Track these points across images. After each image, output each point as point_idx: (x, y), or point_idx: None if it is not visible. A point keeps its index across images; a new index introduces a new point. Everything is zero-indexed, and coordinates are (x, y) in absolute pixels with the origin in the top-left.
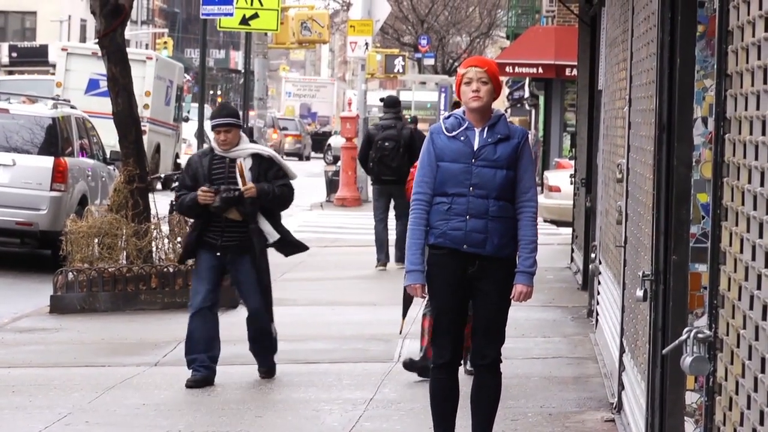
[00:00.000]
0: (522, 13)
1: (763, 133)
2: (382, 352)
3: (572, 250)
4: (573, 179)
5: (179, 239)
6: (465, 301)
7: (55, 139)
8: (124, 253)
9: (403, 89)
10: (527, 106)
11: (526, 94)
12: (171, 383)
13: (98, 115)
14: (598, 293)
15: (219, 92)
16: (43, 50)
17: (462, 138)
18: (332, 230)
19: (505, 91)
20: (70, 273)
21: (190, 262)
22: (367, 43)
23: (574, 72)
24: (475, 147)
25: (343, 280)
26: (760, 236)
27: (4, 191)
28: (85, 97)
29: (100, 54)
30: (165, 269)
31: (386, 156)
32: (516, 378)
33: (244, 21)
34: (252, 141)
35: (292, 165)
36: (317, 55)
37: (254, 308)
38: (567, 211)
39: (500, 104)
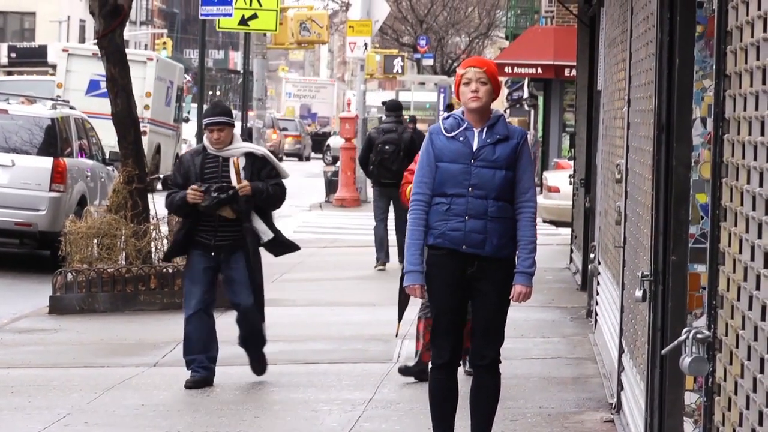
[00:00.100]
0: (521, 13)
1: (762, 134)
2: (382, 352)
3: (571, 251)
4: (572, 180)
5: None
6: (464, 302)
7: (54, 140)
8: (123, 254)
9: (402, 90)
10: (526, 107)
11: (525, 95)
12: (170, 384)
13: (99, 116)
14: (597, 294)
15: (218, 93)
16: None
17: (461, 138)
18: (331, 231)
19: (504, 91)
20: (69, 273)
21: (180, 260)
22: (366, 44)
23: (573, 72)
24: (474, 147)
25: (342, 280)
26: (759, 237)
27: (3, 192)
28: (85, 97)
29: (100, 55)
30: (164, 270)
31: (386, 159)
32: (515, 378)
33: (243, 21)
34: (248, 141)
35: (291, 165)
36: (316, 56)
37: (245, 306)
38: (566, 212)
39: (499, 105)
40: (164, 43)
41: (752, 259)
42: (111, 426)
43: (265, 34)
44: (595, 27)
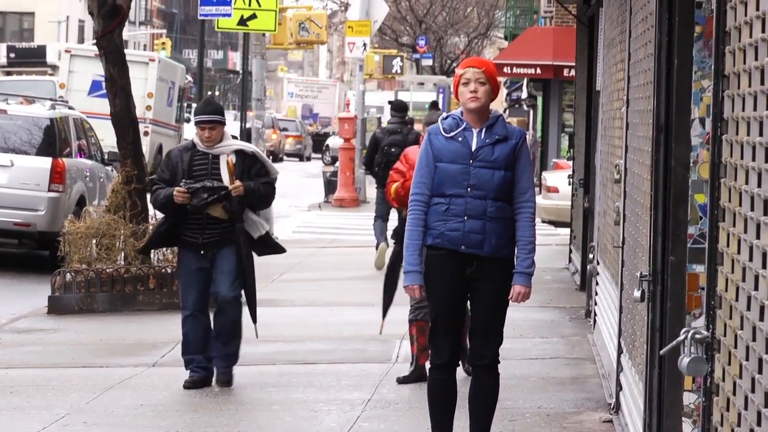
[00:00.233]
0: (520, 13)
1: (761, 134)
2: (381, 352)
3: (570, 251)
4: (571, 180)
5: None
6: (463, 302)
7: (53, 140)
8: (122, 254)
9: (401, 90)
10: (525, 107)
11: (525, 95)
12: (169, 384)
13: (101, 116)
14: (596, 294)
15: (217, 93)
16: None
17: (460, 139)
18: (330, 231)
19: (503, 91)
20: (68, 274)
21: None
22: (365, 44)
23: (572, 73)
24: (473, 148)
25: (341, 280)
26: (758, 237)
27: (2, 192)
28: (88, 98)
29: (99, 55)
30: (163, 270)
31: (392, 161)
32: (514, 378)
33: (242, 22)
34: (247, 141)
35: (292, 166)
36: (315, 56)
37: (225, 297)
38: (565, 212)
39: (498, 105)
40: (163, 43)
41: (750, 259)
42: (110, 426)
43: (264, 35)
44: (594, 27)
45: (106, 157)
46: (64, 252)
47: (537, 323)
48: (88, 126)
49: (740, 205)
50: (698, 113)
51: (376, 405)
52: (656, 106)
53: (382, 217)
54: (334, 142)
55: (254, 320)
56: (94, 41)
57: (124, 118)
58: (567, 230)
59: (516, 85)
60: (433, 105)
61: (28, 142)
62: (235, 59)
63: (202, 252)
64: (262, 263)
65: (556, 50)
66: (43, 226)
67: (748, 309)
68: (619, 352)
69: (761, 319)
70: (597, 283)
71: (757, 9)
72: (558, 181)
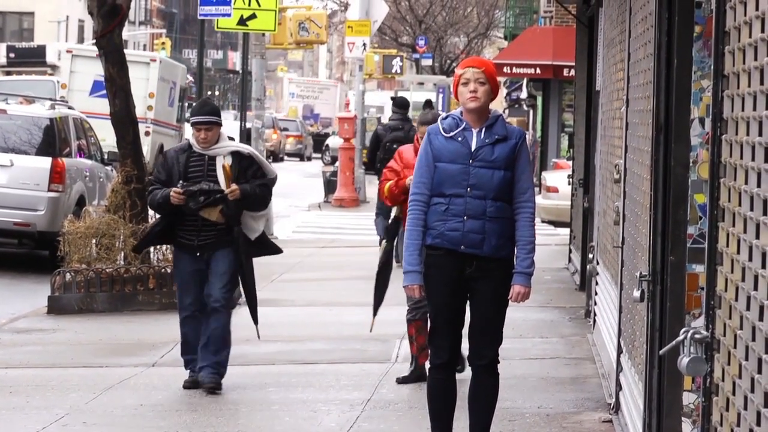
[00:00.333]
0: (520, 13)
1: (760, 134)
2: (380, 352)
3: (570, 251)
4: (571, 180)
5: None
6: (463, 302)
7: (52, 140)
8: (122, 254)
9: (401, 90)
10: (525, 107)
11: (524, 95)
12: (168, 384)
13: (102, 116)
14: (596, 294)
15: (217, 93)
16: (40, 51)
17: (459, 139)
18: (330, 231)
19: (503, 91)
20: (68, 273)
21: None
22: (364, 44)
23: (572, 73)
24: (473, 148)
25: (340, 280)
26: (757, 237)
27: (1, 192)
28: (89, 98)
29: (99, 55)
30: (163, 270)
31: None
32: (513, 378)
33: (242, 21)
34: (247, 142)
35: (292, 165)
36: (315, 56)
37: (215, 299)
38: (565, 212)
39: (498, 105)
40: (163, 43)
41: (750, 259)
42: (109, 426)
43: (263, 34)
44: (593, 27)
45: (105, 156)
46: (64, 252)
47: (537, 323)
48: (87, 126)
49: (740, 205)
50: (698, 113)
51: (375, 405)
52: (656, 106)
53: (384, 214)
54: (333, 142)
55: (255, 321)
56: (94, 41)
57: (124, 118)
58: (567, 230)
59: (516, 85)
60: (427, 104)
61: (27, 141)
62: (234, 59)
63: (197, 254)
64: (262, 263)
65: (555, 50)
66: (42, 225)
67: (748, 309)
68: (619, 352)
69: (761, 319)
70: (597, 283)
71: (757, 9)
72: (558, 181)
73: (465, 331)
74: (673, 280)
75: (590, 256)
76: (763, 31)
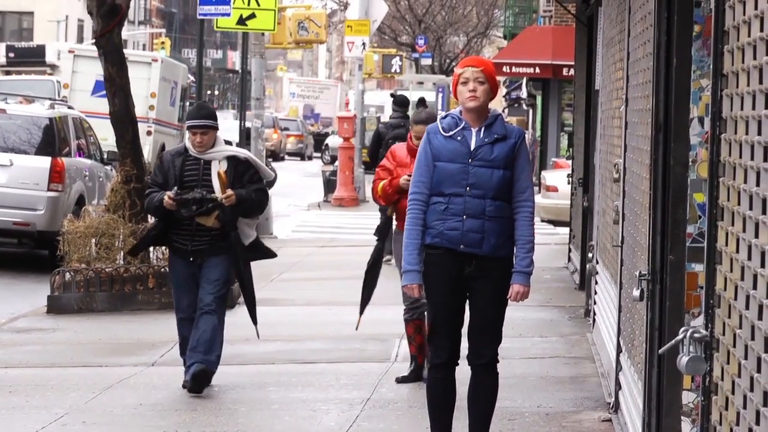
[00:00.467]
0: (519, 12)
1: (759, 133)
2: (380, 351)
3: (569, 250)
4: (570, 179)
5: None
6: (462, 301)
7: (52, 140)
8: (122, 254)
9: (401, 89)
10: (524, 106)
11: (524, 94)
12: (168, 383)
13: (104, 116)
14: (595, 293)
15: (216, 92)
16: (40, 50)
17: (459, 138)
18: (329, 230)
19: (503, 91)
20: (68, 273)
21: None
22: (364, 43)
23: (572, 72)
24: (472, 147)
25: (340, 280)
26: (756, 236)
27: (1, 191)
28: (91, 98)
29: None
30: (162, 269)
31: None
32: (513, 378)
33: (241, 21)
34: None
35: (292, 165)
36: (314, 55)
37: (206, 304)
38: (564, 211)
39: (497, 104)
40: (162, 42)
41: (749, 258)
42: (109, 425)
43: (263, 34)
44: (593, 26)
45: (105, 156)
46: (64, 251)
47: (536, 322)
48: (87, 125)
49: (739, 204)
50: (697, 112)
51: (375, 404)
52: (655, 105)
53: (384, 213)
54: (333, 141)
55: (255, 322)
56: (94, 41)
57: (123, 118)
58: (566, 229)
59: (515, 85)
60: (421, 102)
61: (27, 141)
62: (234, 59)
63: (191, 259)
64: (261, 263)
65: (555, 49)
66: (42, 225)
67: (747, 308)
68: (618, 351)
69: (760, 318)
70: (596, 282)
71: (756, 8)
72: (557, 180)
73: (464, 331)
74: (672, 279)
75: (590, 255)
76: (762, 30)
